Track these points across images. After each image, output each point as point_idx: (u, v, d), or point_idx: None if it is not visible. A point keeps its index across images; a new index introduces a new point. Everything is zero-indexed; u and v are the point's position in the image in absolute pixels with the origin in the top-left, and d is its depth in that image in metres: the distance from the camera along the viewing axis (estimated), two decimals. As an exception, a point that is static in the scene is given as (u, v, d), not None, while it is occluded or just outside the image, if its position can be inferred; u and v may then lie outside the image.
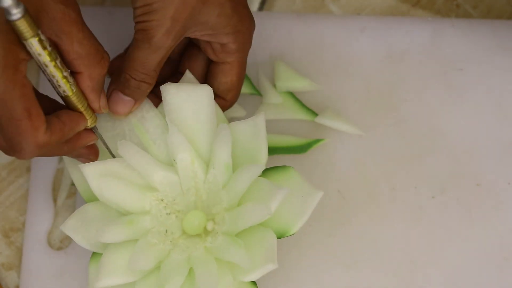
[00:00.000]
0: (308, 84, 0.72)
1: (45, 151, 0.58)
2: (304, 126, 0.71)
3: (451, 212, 0.69)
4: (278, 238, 0.61)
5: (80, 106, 0.59)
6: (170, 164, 0.64)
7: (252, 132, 0.63)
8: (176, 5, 0.59)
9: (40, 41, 0.54)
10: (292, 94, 0.71)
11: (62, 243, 0.70)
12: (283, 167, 0.63)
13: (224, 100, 0.67)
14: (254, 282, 0.62)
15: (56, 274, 0.68)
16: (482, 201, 0.69)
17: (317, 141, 0.70)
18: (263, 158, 0.63)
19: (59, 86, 0.57)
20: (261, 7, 0.76)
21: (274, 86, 0.72)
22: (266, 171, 0.63)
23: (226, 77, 0.66)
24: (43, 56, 0.55)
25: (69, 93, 0.58)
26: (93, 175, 0.62)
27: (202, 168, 0.64)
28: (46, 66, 0.56)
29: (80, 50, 0.57)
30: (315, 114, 0.71)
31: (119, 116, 0.63)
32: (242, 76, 0.66)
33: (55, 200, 0.71)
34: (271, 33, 0.74)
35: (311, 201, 0.62)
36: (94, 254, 0.63)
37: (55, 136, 0.57)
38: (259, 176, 0.62)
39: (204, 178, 0.64)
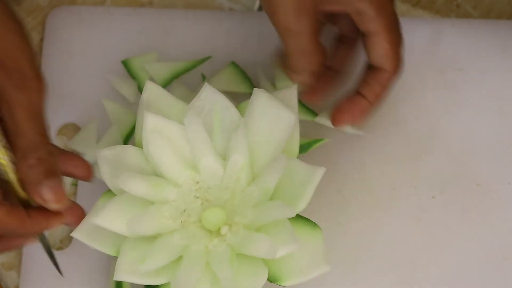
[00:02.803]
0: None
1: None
2: (304, 126, 0.71)
3: (451, 212, 0.69)
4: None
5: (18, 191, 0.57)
6: (223, 157, 0.64)
7: (303, 177, 0.62)
8: None
9: None
10: (292, 94, 0.71)
11: (62, 243, 0.70)
12: (310, 224, 0.63)
13: (387, 72, 0.64)
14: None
15: (56, 274, 0.68)
16: (482, 201, 0.69)
17: (317, 141, 0.69)
18: (302, 205, 0.62)
19: None
20: (261, 7, 0.76)
21: (274, 86, 0.72)
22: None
23: (377, 47, 0.63)
24: None
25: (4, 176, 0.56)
26: (152, 124, 0.62)
27: (247, 178, 0.64)
28: None
29: (18, 141, 0.55)
30: (315, 114, 0.71)
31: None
32: (396, 41, 0.63)
33: (55, 200, 0.71)
34: (271, 33, 0.73)
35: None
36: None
37: (11, 220, 0.55)
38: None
39: (245, 188, 0.64)
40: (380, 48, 0.62)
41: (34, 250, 0.69)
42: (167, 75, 0.72)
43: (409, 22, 0.73)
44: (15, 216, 0.55)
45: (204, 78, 0.73)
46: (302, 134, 0.70)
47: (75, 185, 0.71)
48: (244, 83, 0.72)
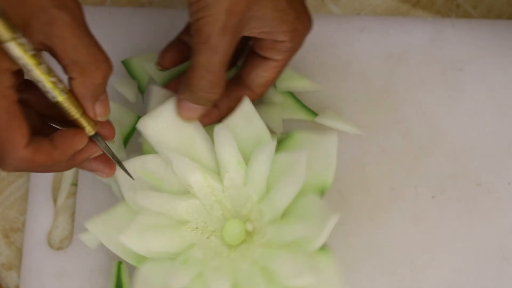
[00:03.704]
0: (308, 84, 0.72)
1: (33, 167, 0.57)
2: (304, 126, 0.71)
3: (451, 212, 0.69)
4: (321, 195, 0.62)
5: (74, 113, 0.58)
6: (186, 191, 0.64)
7: (245, 120, 0.64)
8: None
9: (19, 44, 0.53)
10: (292, 94, 0.71)
11: (62, 243, 0.70)
12: (287, 135, 0.64)
13: (253, 93, 0.65)
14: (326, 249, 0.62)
15: (56, 274, 0.68)
16: (482, 201, 0.69)
17: (317, 141, 0.70)
18: (267, 137, 0.63)
19: (46, 92, 0.56)
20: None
21: (274, 86, 0.72)
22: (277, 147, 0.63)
23: (266, 72, 0.64)
24: (24, 59, 0.53)
25: (58, 98, 0.57)
26: (132, 239, 0.62)
27: (215, 178, 0.64)
28: (29, 70, 0.54)
29: (73, 56, 0.56)
30: (315, 114, 0.71)
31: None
32: (280, 74, 0.65)
33: (55, 200, 0.71)
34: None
35: (332, 146, 0.62)
36: None
37: (39, 157, 0.56)
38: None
39: (222, 187, 0.64)
40: (268, 74, 0.64)
41: (34, 250, 0.69)
42: (167, 75, 0.72)
43: (409, 22, 0.73)
44: (41, 152, 0.56)
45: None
46: (302, 134, 0.71)
47: (75, 184, 0.71)
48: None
